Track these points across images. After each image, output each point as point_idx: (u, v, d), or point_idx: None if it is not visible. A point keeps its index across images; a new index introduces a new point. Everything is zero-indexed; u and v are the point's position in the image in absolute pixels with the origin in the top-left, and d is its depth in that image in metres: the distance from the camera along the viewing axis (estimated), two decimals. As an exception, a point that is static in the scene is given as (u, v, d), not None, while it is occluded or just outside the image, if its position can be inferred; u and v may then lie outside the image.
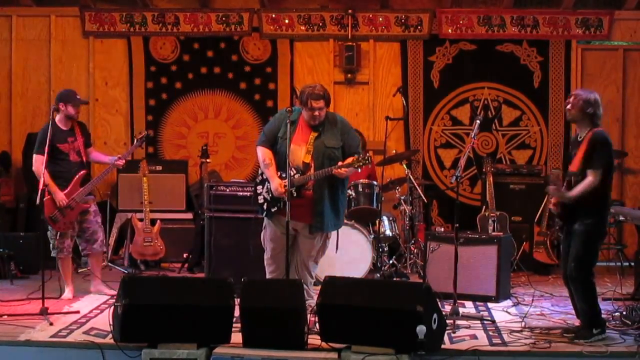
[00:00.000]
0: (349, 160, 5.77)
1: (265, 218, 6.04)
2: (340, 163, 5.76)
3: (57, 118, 6.72)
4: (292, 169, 5.78)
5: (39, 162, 6.47)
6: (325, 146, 5.82)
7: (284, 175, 5.76)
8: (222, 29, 9.25)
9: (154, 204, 8.21)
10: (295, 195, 5.74)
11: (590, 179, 5.26)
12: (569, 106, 5.44)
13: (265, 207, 5.93)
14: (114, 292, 6.86)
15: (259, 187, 5.98)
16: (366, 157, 5.72)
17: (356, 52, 9.03)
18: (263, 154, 5.92)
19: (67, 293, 6.80)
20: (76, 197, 6.65)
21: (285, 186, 5.67)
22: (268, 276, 6.07)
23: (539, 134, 9.09)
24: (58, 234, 6.68)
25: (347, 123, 6.07)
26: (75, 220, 6.74)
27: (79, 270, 7.99)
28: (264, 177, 5.94)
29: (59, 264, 6.79)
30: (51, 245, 6.73)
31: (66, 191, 6.61)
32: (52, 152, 6.49)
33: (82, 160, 6.79)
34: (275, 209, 5.86)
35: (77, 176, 6.69)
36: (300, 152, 5.84)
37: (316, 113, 5.78)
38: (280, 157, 5.84)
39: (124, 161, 6.91)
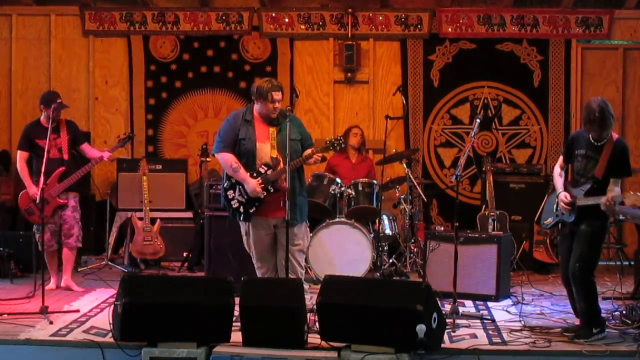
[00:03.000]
0: (308, 151, 5.93)
1: (244, 225, 6.02)
2: (311, 150, 5.91)
3: (42, 117, 6.99)
4: (263, 166, 5.83)
5: (20, 158, 6.95)
6: (289, 139, 5.84)
7: (254, 175, 5.82)
8: (222, 28, 9.25)
9: (153, 203, 8.21)
10: (272, 191, 5.80)
11: (619, 188, 5.31)
12: (596, 128, 5.26)
13: (241, 210, 5.91)
14: (82, 289, 7.00)
15: (230, 192, 5.94)
16: (339, 139, 5.92)
17: (356, 51, 9.04)
18: (227, 159, 5.88)
19: (51, 284, 7.03)
20: (52, 192, 6.81)
21: (261, 184, 5.75)
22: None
23: (538, 133, 9.09)
24: (34, 227, 6.91)
25: (298, 118, 6.25)
26: (53, 214, 6.89)
27: (79, 269, 8.02)
28: (233, 181, 5.92)
29: (43, 256, 6.85)
30: (36, 239, 6.89)
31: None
32: (31, 148, 6.88)
33: (63, 157, 6.95)
34: (253, 209, 5.88)
35: (55, 172, 6.83)
36: (266, 148, 5.90)
37: (276, 105, 5.85)
38: (247, 157, 5.87)
39: (110, 155, 7.21)
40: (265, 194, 5.81)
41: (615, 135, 5.38)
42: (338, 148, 6.03)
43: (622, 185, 5.51)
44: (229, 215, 6.07)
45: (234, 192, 5.91)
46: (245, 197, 5.87)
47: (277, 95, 5.82)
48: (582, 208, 5.35)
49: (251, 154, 5.86)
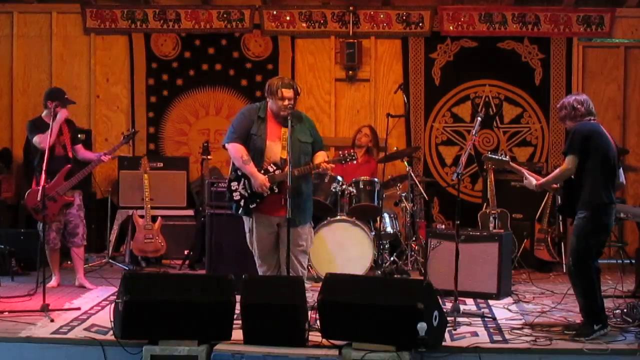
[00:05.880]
0: (321, 156, 5.96)
1: (248, 221, 6.01)
2: (325, 159, 5.93)
3: (44, 114, 6.93)
4: (272, 164, 5.83)
5: (40, 138, 6.74)
6: (300, 141, 5.85)
7: (262, 172, 5.81)
8: (224, 26, 9.25)
9: (155, 200, 8.22)
10: (276, 191, 5.81)
11: (561, 167, 5.42)
12: (564, 124, 5.61)
13: (242, 204, 5.90)
14: (95, 287, 7.02)
15: (234, 184, 5.92)
16: (352, 153, 5.99)
17: (357, 49, 9.03)
18: (239, 150, 5.86)
19: (53, 282, 7.05)
20: (59, 190, 6.82)
21: (269, 181, 5.76)
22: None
23: (540, 131, 9.09)
24: (39, 225, 6.82)
25: (312, 120, 6.22)
26: (59, 212, 6.90)
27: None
28: (239, 173, 5.91)
29: (46, 254, 6.88)
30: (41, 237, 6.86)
31: (50, 184, 6.69)
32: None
33: (67, 155, 6.95)
34: (254, 205, 5.87)
35: (61, 170, 6.83)
36: (276, 148, 5.88)
37: (286, 103, 5.80)
38: (255, 154, 5.85)
39: (109, 157, 7.12)
40: (269, 192, 5.81)
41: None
42: (349, 161, 6.08)
43: (625, 184, 5.53)
44: (230, 207, 6.06)
45: (238, 185, 5.90)
46: (249, 191, 5.86)
47: (287, 93, 5.78)
48: (573, 202, 5.42)
49: (260, 151, 5.84)
